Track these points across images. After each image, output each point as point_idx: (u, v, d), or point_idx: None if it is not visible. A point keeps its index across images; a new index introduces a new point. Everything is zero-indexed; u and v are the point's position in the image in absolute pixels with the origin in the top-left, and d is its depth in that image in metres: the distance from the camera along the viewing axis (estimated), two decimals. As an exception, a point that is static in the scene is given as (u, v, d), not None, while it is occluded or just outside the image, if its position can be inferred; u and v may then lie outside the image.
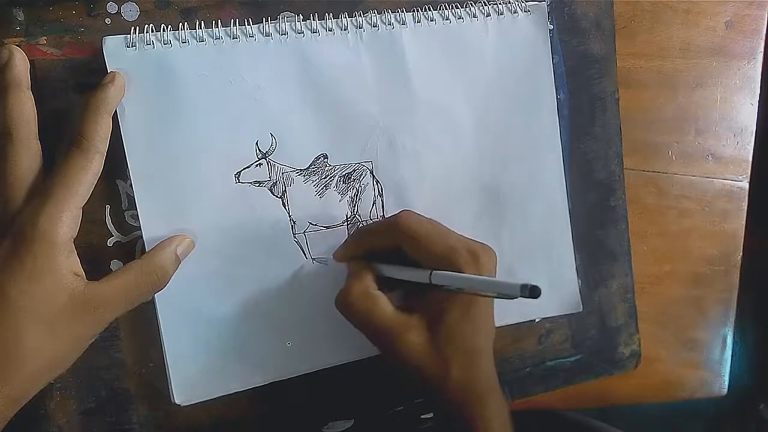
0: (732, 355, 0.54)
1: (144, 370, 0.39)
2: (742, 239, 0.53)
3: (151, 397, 0.39)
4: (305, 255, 0.40)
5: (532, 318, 0.46)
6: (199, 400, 0.39)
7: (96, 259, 0.37)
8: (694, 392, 0.54)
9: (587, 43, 0.46)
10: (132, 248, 0.38)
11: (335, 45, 0.39)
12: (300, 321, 0.40)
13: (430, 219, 0.38)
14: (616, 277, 0.48)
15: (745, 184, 0.53)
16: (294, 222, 0.40)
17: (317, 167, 0.40)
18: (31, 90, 0.34)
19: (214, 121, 0.37)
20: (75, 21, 0.36)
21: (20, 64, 0.34)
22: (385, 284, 0.38)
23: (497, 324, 0.43)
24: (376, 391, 0.43)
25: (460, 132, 0.42)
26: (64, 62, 0.36)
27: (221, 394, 0.40)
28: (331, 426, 0.43)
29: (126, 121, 0.36)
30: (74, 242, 0.33)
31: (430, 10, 0.41)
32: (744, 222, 0.53)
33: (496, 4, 0.42)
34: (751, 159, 0.53)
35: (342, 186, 0.41)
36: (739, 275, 0.54)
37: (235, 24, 0.38)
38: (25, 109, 0.33)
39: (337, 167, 0.40)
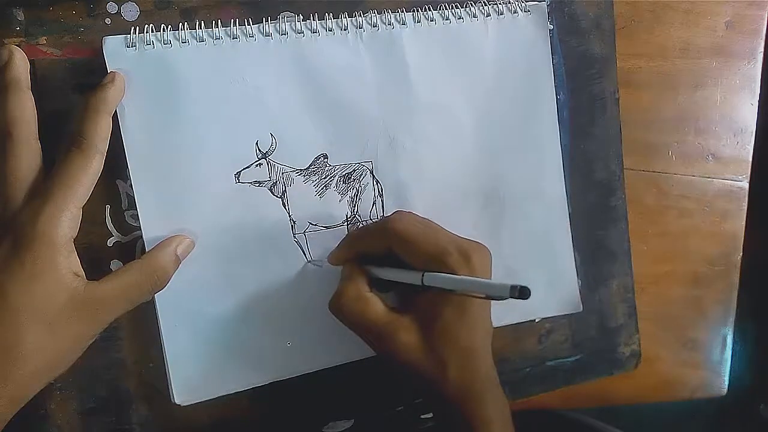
0: (732, 355, 0.54)
1: (144, 370, 0.39)
2: (742, 239, 0.53)
3: (151, 397, 0.39)
4: (305, 255, 0.40)
5: (532, 318, 0.46)
6: (199, 400, 0.39)
7: (96, 259, 0.37)
8: (694, 392, 0.54)
9: (587, 43, 0.46)
10: (132, 248, 0.38)
11: (335, 45, 0.39)
12: (300, 321, 0.40)
13: (424, 219, 0.38)
14: (616, 277, 0.48)
15: (745, 184, 0.53)
16: (294, 222, 0.40)
17: (317, 167, 0.40)
18: (31, 90, 0.34)
19: (214, 121, 0.37)
20: (75, 21, 0.36)
21: (20, 64, 0.34)
22: (379, 286, 0.38)
23: (497, 324, 0.44)
24: (376, 391, 0.43)
25: (460, 132, 0.42)
26: (64, 62, 0.36)
27: (221, 394, 0.40)
28: (331, 426, 0.43)
29: (126, 121, 0.36)
30: (74, 242, 0.33)
31: (430, 10, 0.41)
32: (744, 222, 0.53)
33: (496, 4, 0.42)
34: (751, 159, 0.53)
35: (342, 186, 0.41)
36: (739, 275, 0.54)
37: (235, 24, 0.38)
38: (25, 109, 0.33)
39: (337, 167, 0.40)
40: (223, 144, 0.38)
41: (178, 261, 0.36)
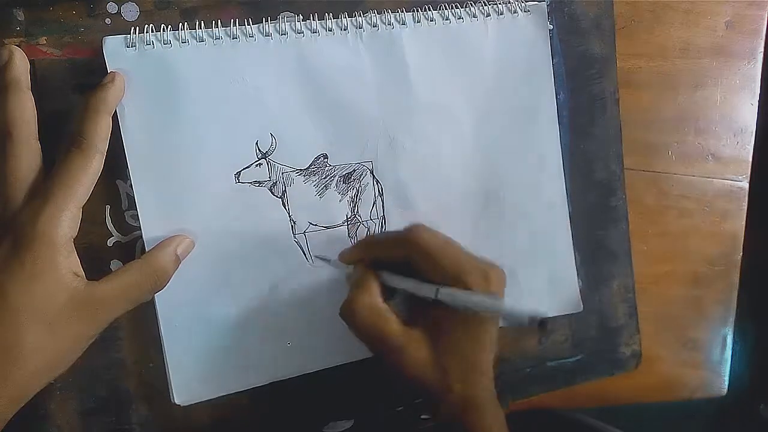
0: (732, 355, 0.54)
1: (144, 370, 0.39)
2: (742, 239, 0.53)
3: (151, 397, 0.39)
4: (305, 255, 0.40)
5: (532, 318, 0.46)
6: (199, 400, 0.39)
7: (96, 259, 0.37)
8: (694, 392, 0.54)
9: (587, 43, 0.46)
10: (132, 248, 0.38)
11: (335, 45, 0.39)
12: (300, 321, 0.40)
13: (443, 234, 0.37)
14: (616, 277, 0.48)
15: (745, 184, 0.53)
16: (294, 222, 0.40)
17: (317, 167, 0.40)
18: (31, 90, 0.34)
19: (214, 121, 0.37)
20: (75, 21, 0.36)
21: (20, 64, 0.34)
22: (388, 292, 0.38)
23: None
24: (376, 391, 0.43)
25: (460, 132, 0.42)
26: (64, 62, 0.36)
27: (221, 394, 0.40)
28: (331, 426, 0.43)
29: (126, 121, 0.36)
30: (74, 242, 0.33)
31: (429, 10, 0.41)
32: (744, 222, 0.53)
33: (495, 4, 0.42)
34: (751, 159, 0.53)
35: (342, 186, 0.41)
36: (739, 275, 0.54)
37: (235, 24, 0.38)
38: (25, 109, 0.33)
39: (337, 167, 0.40)
40: (223, 144, 0.38)
41: (178, 261, 0.36)
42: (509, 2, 0.42)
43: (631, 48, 0.48)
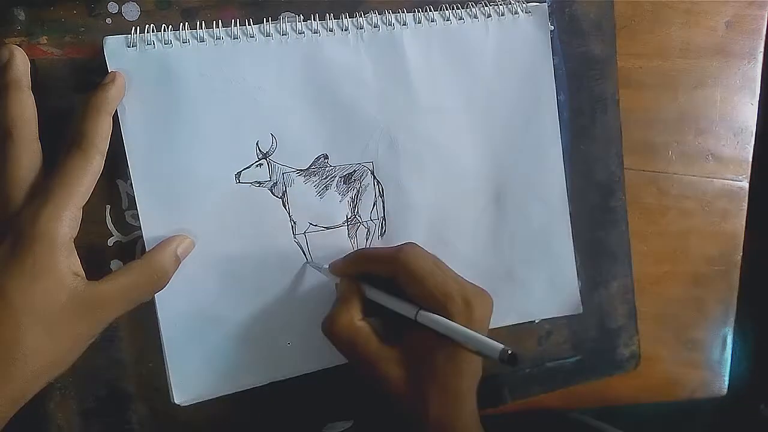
0: (732, 355, 0.54)
1: (144, 370, 0.39)
2: (742, 239, 0.53)
3: (151, 397, 0.39)
4: (305, 255, 0.40)
5: (532, 319, 0.46)
6: (199, 400, 0.39)
7: (96, 259, 0.37)
8: (694, 392, 0.54)
9: (588, 44, 0.46)
10: (132, 248, 0.38)
11: (336, 45, 0.39)
12: (300, 321, 0.40)
13: (433, 257, 0.38)
14: (616, 278, 0.48)
15: (745, 184, 0.53)
16: (294, 222, 0.40)
17: (318, 167, 0.40)
18: (32, 90, 0.34)
19: (214, 122, 0.37)
20: (76, 21, 0.36)
21: (21, 63, 0.34)
22: (372, 307, 0.38)
23: (497, 325, 0.44)
24: (372, 389, 0.43)
25: (460, 133, 0.42)
26: (65, 62, 0.36)
27: (221, 394, 0.40)
28: (331, 426, 0.43)
29: (126, 121, 0.36)
30: (74, 242, 0.33)
31: (430, 10, 0.41)
32: (744, 222, 0.53)
33: (496, 5, 0.42)
34: (751, 159, 0.53)
35: (342, 186, 0.41)
36: (739, 275, 0.54)
37: (235, 24, 0.38)
38: (25, 108, 0.33)
39: (338, 168, 0.40)
40: (224, 144, 0.38)
41: (178, 261, 0.36)
42: (510, 3, 0.42)
43: (631, 48, 0.48)
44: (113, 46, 0.35)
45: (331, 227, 0.41)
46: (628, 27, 0.48)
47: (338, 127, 0.40)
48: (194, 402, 0.39)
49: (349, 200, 0.41)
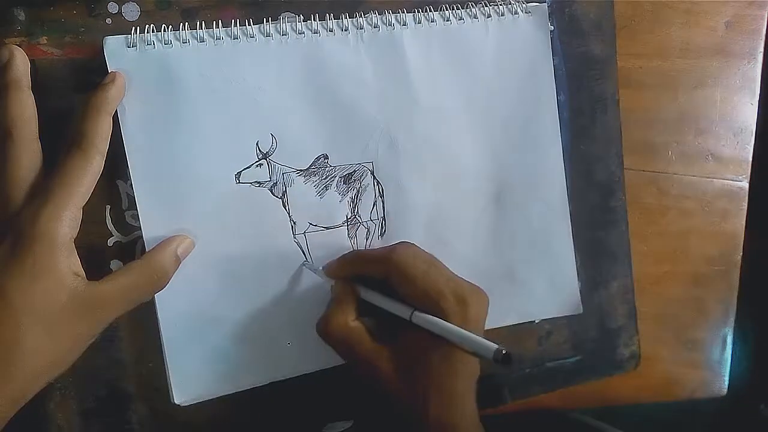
0: (732, 355, 0.54)
1: (144, 370, 0.39)
2: (742, 239, 0.53)
3: (151, 397, 0.39)
4: (305, 255, 0.40)
5: (532, 319, 0.46)
6: (199, 400, 0.39)
7: (96, 259, 0.37)
8: (694, 392, 0.54)
9: (588, 44, 0.46)
10: (132, 248, 0.38)
11: (336, 46, 0.39)
12: (300, 321, 0.40)
13: (428, 255, 0.38)
14: (616, 277, 0.48)
15: (745, 184, 0.53)
16: (294, 222, 0.40)
17: (318, 168, 0.40)
18: (32, 90, 0.34)
19: (214, 122, 0.37)
20: (76, 21, 0.36)
21: (21, 63, 0.34)
22: (367, 307, 0.38)
23: (497, 325, 0.44)
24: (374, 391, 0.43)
25: (460, 133, 0.42)
26: (65, 62, 0.36)
27: (221, 394, 0.40)
28: (331, 426, 0.43)
29: (126, 121, 0.36)
30: (74, 242, 0.33)
31: (430, 10, 0.41)
32: (744, 222, 0.53)
33: (496, 5, 0.42)
34: (751, 159, 0.53)
35: (342, 186, 0.41)
36: (739, 275, 0.54)
37: (235, 24, 0.38)
38: (25, 108, 0.33)
39: (338, 168, 0.40)
40: (224, 144, 0.38)
41: (178, 261, 0.36)
42: (510, 3, 0.42)
43: (631, 48, 0.48)
44: (113, 46, 0.35)
45: (331, 227, 0.41)
46: (628, 27, 0.48)
47: (338, 127, 0.40)
48: (194, 402, 0.39)
49: (349, 200, 0.41)
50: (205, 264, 0.38)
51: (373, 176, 0.41)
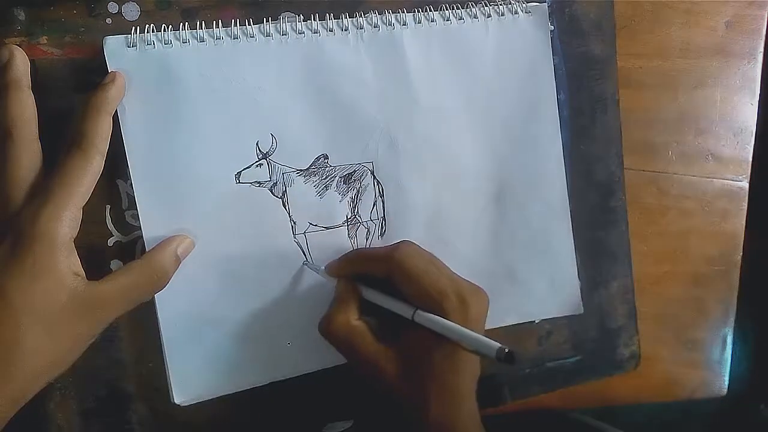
0: (732, 355, 0.54)
1: (144, 370, 0.39)
2: (742, 239, 0.53)
3: (151, 397, 0.39)
4: (305, 255, 0.40)
5: (532, 319, 0.46)
6: (199, 400, 0.39)
7: (96, 259, 0.37)
8: (694, 392, 0.54)
9: (588, 44, 0.46)
10: (132, 248, 0.38)
11: (336, 45, 0.39)
12: (300, 321, 0.40)
13: (429, 254, 0.38)
14: (616, 278, 0.48)
15: (745, 184, 0.53)
16: (294, 222, 0.40)
17: (318, 168, 0.40)
18: (32, 90, 0.34)
19: (214, 122, 0.37)
20: (76, 21, 0.36)
21: (21, 63, 0.34)
22: (368, 307, 0.38)
23: (497, 325, 0.44)
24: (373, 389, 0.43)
25: (460, 133, 0.42)
26: (65, 62, 0.36)
27: (221, 394, 0.40)
28: (331, 426, 0.43)
29: (126, 121, 0.36)
30: (74, 242, 0.33)
31: (430, 10, 0.41)
32: (744, 222, 0.53)
33: (496, 4, 0.42)
34: (751, 159, 0.53)
35: (342, 186, 0.41)
36: (739, 275, 0.54)
37: (235, 24, 0.38)
38: (25, 108, 0.33)
39: (338, 168, 0.40)
40: (224, 144, 0.38)
41: (178, 261, 0.36)
42: (510, 3, 0.42)
43: (631, 48, 0.48)
44: (113, 46, 0.35)
45: (331, 227, 0.41)
46: (628, 27, 0.48)
47: (338, 127, 0.40)
48: (194, 402, 0.39)
49: (349, 200, 0.41)
50: (205, 264, 0.38)
51: (373, 176, 0.41)
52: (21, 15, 0.35)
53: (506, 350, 0.32)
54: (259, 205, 0.39)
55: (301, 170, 0.40)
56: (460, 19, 0.41)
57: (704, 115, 0.51)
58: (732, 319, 0.54)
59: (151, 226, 0.37)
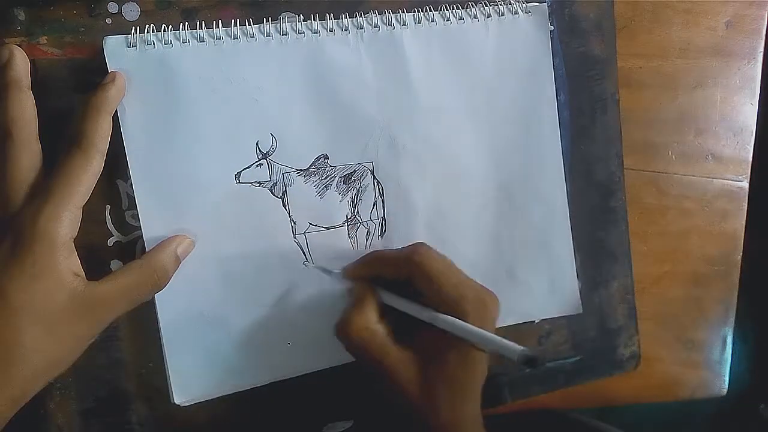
0: (732, 355, 0.54)
1: (144, 370, 0.39)
2: (742, 239, 0.53)
3: (151, 397, 0.39)
4: (305, 256, 0.40)
5: (532, 319, 0.46)
6: (199, 400, 0.39)
7: (96, 259, 0.37)
8: (694, 392, 0.54)
9: (588, 44, 0.46)
10: (132, 248, 0.38)
11: (336, 45, 0.39)
12: (300, 321, 0.40)
13: (443, 256, 0.37)
14: (616, 278, 0.48)
15: (745, 184, 0.53)
16: (294, 222, 0.40)
17: (318, 168, 0.40)
18: (32, 90, 0.34)
19: (214, 122, 0.37)
20: (76, 21, 0.36)
21: (21, 63, 0.34)
22: (385, 310, 0.38)
23: (498, 324, 0.44)
24: (376, 391, 0.43)
25: (460, 133, 0.42)
26: (65, 62, 0.36)
27: (221, 394, 0.40)
28: (331, 426, 0.43)
29: (126, 121, 0.36)
30: (74, 242, 0.33)
31: (430, 10, 0.41)
32: (744, 222, 0.53)
33: (496, 5, 0.42)
34: (751, 159, 0.53)
35: (342, 186, 0.41)
36: (739, 275, 0.54)
37: (235, 24, 0.38)
38: (25, 109, 0.33)
39: (338, 168, 0.40)
40: (224, 144, 0.38)
41: (178, 261, 0.36)
42: (510, 3, 0.42)
43: (631, 48, 0.48)
44: (113, 46, 0.35)
45: (331, 227, 0.41)
46: (628, 27, 0.48)
47: (338, 127, 0.40)
48: (194, 402, 0.39)
49: (349, 200, 0.41)
50: (205, 264, 0.38)
51: (373, 176, 0.41)
52: (21, 15, 0.35)
53: (529, 354, 0.32)
54: (259, 205, 0.39)
55: (301, 170, 0.40)
56: (460, 19, 0.41)
57: (704, 115, 0.51)
58: (732, 319, 0.54)
59: (151, 226, 0.37)
